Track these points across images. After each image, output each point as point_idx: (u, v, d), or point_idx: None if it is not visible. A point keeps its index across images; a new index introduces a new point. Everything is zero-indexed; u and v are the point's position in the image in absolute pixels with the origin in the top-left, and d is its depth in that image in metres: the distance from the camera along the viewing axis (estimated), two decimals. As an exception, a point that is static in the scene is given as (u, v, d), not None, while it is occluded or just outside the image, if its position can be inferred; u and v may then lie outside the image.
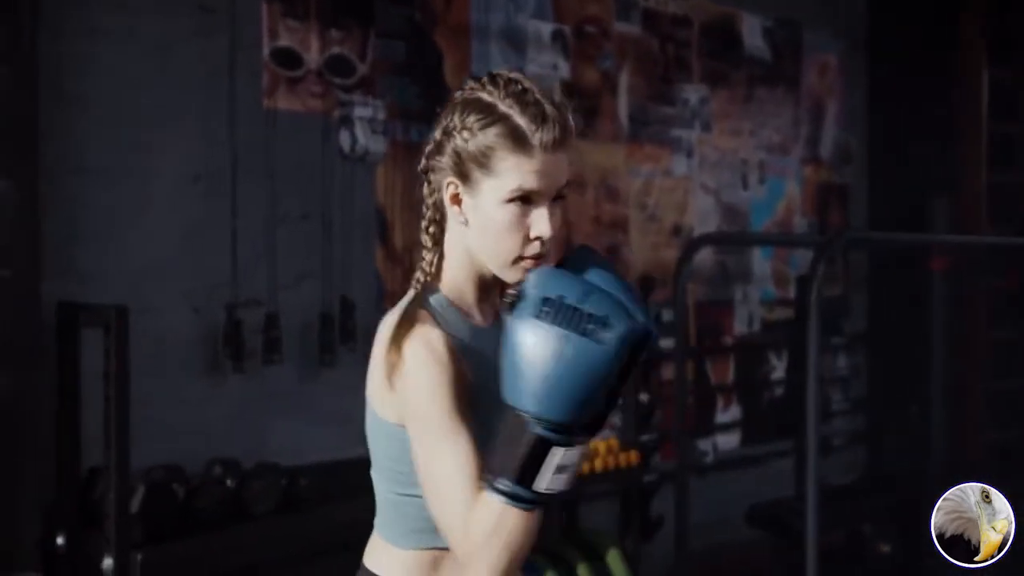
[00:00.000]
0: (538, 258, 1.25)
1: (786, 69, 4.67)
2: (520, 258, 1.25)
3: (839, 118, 4.94)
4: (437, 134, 1.28)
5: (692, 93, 4.26)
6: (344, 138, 3.17)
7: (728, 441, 4.38)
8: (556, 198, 1.26)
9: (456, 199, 1.27)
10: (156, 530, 2.42)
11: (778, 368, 4.55)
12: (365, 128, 3.21)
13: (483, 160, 1.23)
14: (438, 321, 1.25)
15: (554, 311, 1.14)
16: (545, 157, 1.22)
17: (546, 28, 3.72)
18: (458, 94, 1.30)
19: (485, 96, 1.25)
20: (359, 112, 3.19)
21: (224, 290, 2.84)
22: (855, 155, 5.00)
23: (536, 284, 1.17)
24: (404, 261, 3.25)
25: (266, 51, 3.00)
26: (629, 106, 4.01)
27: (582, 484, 3.24)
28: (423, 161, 1.31)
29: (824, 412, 4.76)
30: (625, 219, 3.99)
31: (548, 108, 1.24)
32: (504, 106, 1.23)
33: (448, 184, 1.27)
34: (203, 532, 2.49)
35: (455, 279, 1.30)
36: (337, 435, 2.75)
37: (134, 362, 2.37)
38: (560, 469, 1.13)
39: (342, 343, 3.07)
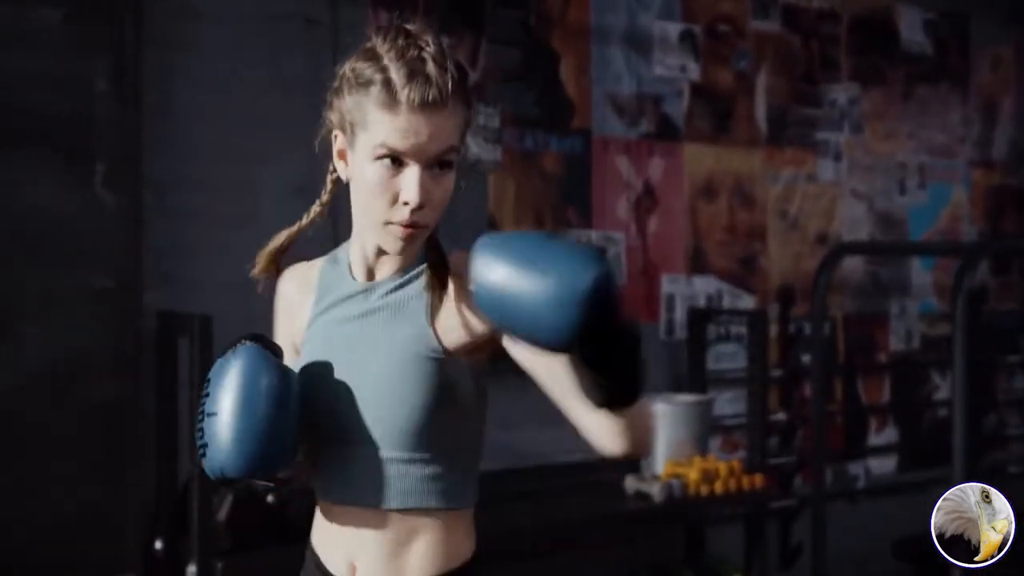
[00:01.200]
0: (410, 227, 1.17)
1: (951, 64, 4.32)
2: (389, 223, 1.17)
3: (1016, 116, 4.52)
4: (335, 82, 1.24)
5: (840, 93, 3.99)
6: (454, 146, 3.11)
7: (882, 465, 4.05)
8: (443, 165, 1.17)
9: (342, 154, 1.23)
10: (245, 538, 2.41)
11: (942, 388, 4.18)
12: (477, 136, 3.14)
13: (357, 114, 1.17)
14: (325, 265, 1.31)
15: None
16: (415, 116, 1.14)
17: (674, 28, 3.56)
18: (366, 44, 1.24)
19: (376, 47, 1.19)
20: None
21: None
22: (1034, 156, 4.57)
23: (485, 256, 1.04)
24: None
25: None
26: (767, 108, 3.79)
27: (705, 506, 3.05)
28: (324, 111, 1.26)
29: (998, 437, 4.35)
30: (763, 227, 3.77)
31: (430, 66, 1.15)
32: (386, 59, 1.16)
33: (335, 136, 1.24)
34: (292, 541, 2.46)
35: (354, 233, 1.27)
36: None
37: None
38: None
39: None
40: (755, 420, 3.21)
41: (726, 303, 3.61)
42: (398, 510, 1.20)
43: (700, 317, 3.43)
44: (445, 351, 1.20)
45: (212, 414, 1.14)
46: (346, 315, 1.25)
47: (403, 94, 1.14)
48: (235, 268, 2.69)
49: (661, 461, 3.11)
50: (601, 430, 1.15)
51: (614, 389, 1.07)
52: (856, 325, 4.00)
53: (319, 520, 1.28)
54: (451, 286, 1.22)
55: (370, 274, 1.26)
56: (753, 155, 3.75)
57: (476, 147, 3.14)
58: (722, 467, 3.02)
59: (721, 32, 3.68)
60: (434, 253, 1.23)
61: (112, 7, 2.53)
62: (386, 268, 1.25)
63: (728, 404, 3.55)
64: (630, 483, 3.01)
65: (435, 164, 1.18)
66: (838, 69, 3.99)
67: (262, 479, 1.15)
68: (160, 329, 2.55)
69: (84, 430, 2.48)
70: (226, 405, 1.13)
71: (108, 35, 2.52)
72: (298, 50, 2.84)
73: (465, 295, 1.17)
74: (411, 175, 1.15)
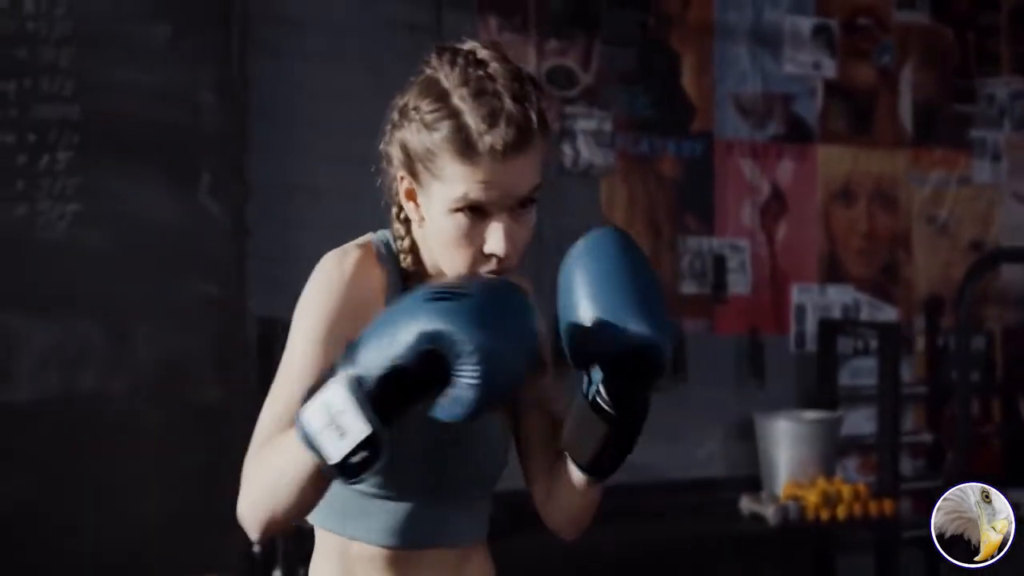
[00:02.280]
0: (497, 274, 1.06)
1: None
2: (474, 272, 1.06)
3: None
4: (395, 115, 1.09)
5: (1000, 87, 3.68)
6: (566, 152, 3.04)
7: (1048, 494, 3.69)
8: (525, 204, 1.05)
9: (411, 195, 1.09)
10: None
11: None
12: (589, 141, 3.06)
13: (429, 162, 1.04)
14: (388, 277, 1.12)
15: None
16: (497, 165, 1.01)
17: (806, 23, 3.37)
18: (424, 69, 1.09)
19: (442, 80, 1.04)
20: (582, 124, 3.05)
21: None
22: None
23: None
24: None
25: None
26: (913, 106, 3.53)
27: (825, 532, 2.84)
28: (382, 142, 1.14)
29: None
30: (907, 233, 3.51)
31: (507, 103, 1.01)
32: (456, 97, 1.02)
33: (400, 178, 1.09)
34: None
35: (427, 263, 1.13)
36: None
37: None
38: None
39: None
40: (886, 440, 2.97)
41: (864, 314, 3.38)
42: (466, 546, 1.16)
43: (832, 329, 3.22)
44: None
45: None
46: None
47: (484, 142, 1.00)
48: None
49: (781, 481, 2.93)
50: (562, 499, 1.12)
51: (609, 453, 1.03)
52: (1018, 339, 3.67)
53: (345, 564, 1.13)
54: None
55: None
56: (896, 156, 3.50)
57: (588, 151, 3.06)
58: (846, 490, 2.81)
59: (861, 26, 3.46)
60: None
61: (219, 19, 2.59)
62: None
63: (867, 423, 3.31)
64: (745, 504, 2.85)
65: (518, 205, 1.07)
66: (997, 62, 3.68)
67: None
68: (262, 335, 2.58)
69: (188, 431, 2.55)
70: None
71: (214, 47, 2.59)
72: (403, 56, 2.83)
73: None
74: (497, 228, 1.03)
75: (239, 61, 2.62)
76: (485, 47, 1.07)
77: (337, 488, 1.05)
